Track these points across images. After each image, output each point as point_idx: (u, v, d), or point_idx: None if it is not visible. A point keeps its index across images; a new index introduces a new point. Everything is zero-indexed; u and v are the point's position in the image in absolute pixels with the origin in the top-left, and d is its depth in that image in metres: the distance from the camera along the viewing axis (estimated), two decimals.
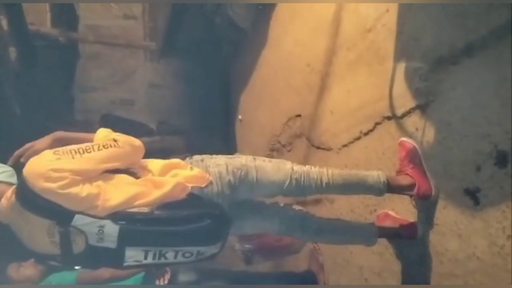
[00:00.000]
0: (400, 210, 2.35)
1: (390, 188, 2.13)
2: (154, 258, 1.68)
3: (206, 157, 1.96)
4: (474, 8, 1.87)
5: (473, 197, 1.86)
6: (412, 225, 2.21)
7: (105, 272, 2.64)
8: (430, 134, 2.12)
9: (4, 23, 4.55)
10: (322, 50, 3.28)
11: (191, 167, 1.85)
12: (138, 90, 6.56)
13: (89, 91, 6.35)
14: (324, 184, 2.06)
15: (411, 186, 2.10)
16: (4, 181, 1.71)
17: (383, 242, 2.40)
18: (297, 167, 2.05)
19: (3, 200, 1.59)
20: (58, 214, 1.52)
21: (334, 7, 3.13)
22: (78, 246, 1.58)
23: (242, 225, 2.06)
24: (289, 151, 4.03)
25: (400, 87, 2.35)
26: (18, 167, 1.63)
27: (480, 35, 1.84)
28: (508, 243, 1.70)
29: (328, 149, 3.21)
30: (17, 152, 1.78)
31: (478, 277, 1.83)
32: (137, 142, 1.73)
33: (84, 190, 1.52)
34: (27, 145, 1.79)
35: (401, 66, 2.35)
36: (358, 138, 2.79)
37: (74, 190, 1.50)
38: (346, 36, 2.99)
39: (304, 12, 3.71)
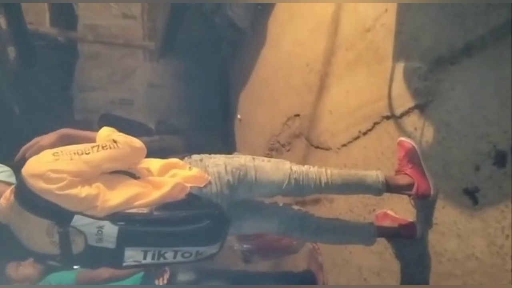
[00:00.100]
0: (399, 210, 2.35)
1: (389, 187, 2.13)
2: (153, 258, 1.68)
3: (205, 156, 1.95)
4: (473, 8, 1.87)
5: (472, 197, 1.86)
6: (411, 225, 2.21)
7: (104, 271, 2.63)
8: (429, 134, 2.12)
9: (3, 22, 4.55)
10: (321, 50, 3.28)
11: (190, 167, 1.84)
12: (137, 89, 6.56)
13: (88, 90, 6.35)
14: (323, 184, 2.06)
15: (410, 186, 2.10)
16: (3, 180, 1.71)
17: (382, 242, 2.40)
18: (296, 167, 2.05)
19: (2, 200, 1.59)
20: (57, 214, 1.52)
21: (333, 7, 3.13)
22: (78, 246, 1.58)
23: (241, 225, 2.06)
24: (288, 151, 4.03)
25: (399, 87, 2.35)
26: (17, 167, 1.63)
27: (479, 35, 1.84)
28: (507, 243, 1.70)
29: (327, 149, 3.21)
30: (23, 148, 1.77)
31: (477, 277, 1.83)
32: (137, 143, 1.70)
33: (83, 191, 1.52)
34: (33, 141, 1.78)
35: (400, 66, 2.35)
36: (357, 138, 2.79)
37: (73, 191, 1.50)
38: (345, 36, 2.99)
39: (303, 12, 3.71)
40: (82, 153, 1.55)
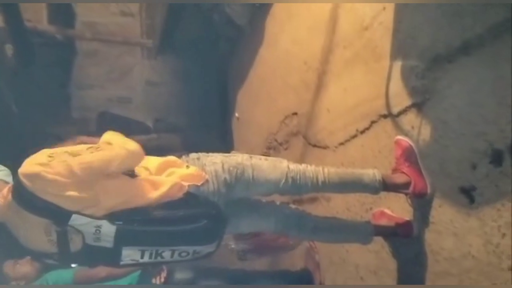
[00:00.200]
0: (396, 209, 2.35)
1: (386, 186, 2.13)
2: (150, 257, 1.68)
3: (202, 155, 1.95)
4: (470, 6, 1.87)
5: (468, 196, 1.86)
6: (407, 224, 2.21)
7: (101, 270, 2.63)
8: (426, 133, 2.12)
9: (1, 20, 4.54)
10: (319, 48, 3.28)
11: (187, 165, 1.84)
12: (135, 87, 6.55)
13: (86, 88, 6.34)
14: (320, 183, 2.06)
15: (406, 185, 2.10)
16: (1, 179, 1.71)
17: (379, 241, 2.40)
18: (293, 166, 2.05)
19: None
20: (55, 213, 1.51)
21: (331, 5, 3.13)
22: (75, 245, 1.58)
23: (238, 223, 2.06)
24: (285, 149, 4.03)
25: (397, 85, 2.34)
26: (14, 167, 1.62)
27: (476, 34, 1.84)
28: (503, 242, 1.70)
29: (325, 147, 3.21)
30: None
31: (474, 276, 1.83)
32: (133, 146, 1.66)
33: (79, 190, 1.51)
34: None
35: (398, 64, 2.35)
36: (355, 136, 2.79)
37: (69, 191, 1.49)
38: (343, 34, 2.99)
39: (301, 11, 3.70)
40: (76, 154, 1.52)
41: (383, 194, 2.25)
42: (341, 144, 2.97)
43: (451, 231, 1.96)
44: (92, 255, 1.62)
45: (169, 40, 5.84)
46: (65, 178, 1.48)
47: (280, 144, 4.14)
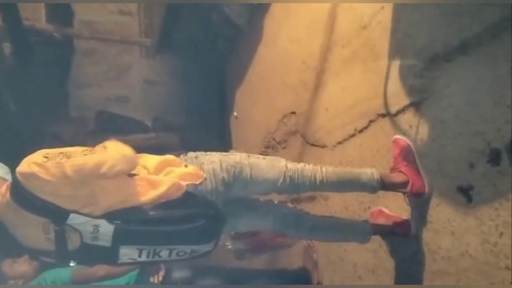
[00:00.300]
0: (394, 208, 2.35)
1: (384, 185, 2.13)
2: (148, 256, 1.68)
3: (200, 154, 1.95)
4: (468, 5, 1.88)
5: (466, 195, 1.86)
6: (405, 223, 2.21)
7: (100, 269, 2.63)
8: (424, 132, 2.12)
9: None
10: (318, 47, 3.28)
11: (185, 164, 1.84)
12: (133, 86, 6.53)
13: (84, 87, 6.32)
14: (318, 182, 2.06)
15: (404, 184, 2.10)
16: (0, 176, 1.71)
17: (377, 240, 2.41)
18: (291, 165, 2.05)
19: None
20: (52, 212, 1.51)
21: (329, 4, 3.13)
22: (73, 243, 1.58)
23: (236, 222, 2.06)
24: (284, 148, 4.03)
25: (395, 84, 2.35)
26: (13, 166, 1.62)
27: (474, 33, 1.85)
28: (500, 241, 1.71)
29: (323, 146, 3.21)
30: None
31: (471, 275, 1.84)
32: (126, 150, 1.62)
33: (76, 190, 1.51)
34: None
35: (396, 64, 2.35)
36: (353, 136, 2.79)
37: (65, 190, 1.50)
38: (341, 33, 2.99)
39: (300, 9, 3.70)
40: (70, 156, 1.51)
41: (381, 193, 2.25)
42: (339, 143, 2.97)
43: (448, 230, 1.97)
44: (90, 253, 1.62)
45: (167, 39, 5.83)
46: (59, 179, 1.48)
47: (279, 143, 4.14)
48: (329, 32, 3.12)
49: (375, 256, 2.52)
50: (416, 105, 2.18)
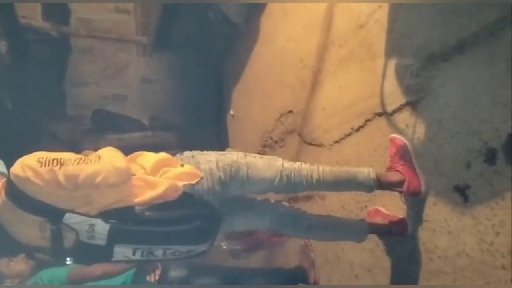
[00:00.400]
0: (391, 207, 2.35)
1: (380, 184, 2.14)
2: (142, 255, 1.68)
3: (196, 153, 1.95)
4: (465, 5, 1.88)
5: (462, 194, 1.87)
6: (402, 222, 2.22)
7: (96, 268, 2.62)
8: (420, 131, 2.13)
9: None
10: (315, 46, 3.28)
11: (181, 164, 1.84)
12: (130, 85, 6.51)
13: (81, 85, 6.30)
14: (314, 181, 2.06)
15: (401, 183, 2.11)
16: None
17: (373, 239, 2.41)
18: (287, 164, 2.05)
19: None
20: (48, 212, 1.52)
21: (327, 3, 3.12)
22: (69, 241, 1.58)
23: (233, 222, 2.06)
24: (281, 147, 4.03)
25: (391, 83, 2.35)
26: (8, 164, 1.62)
27: (471, 32, 1.85)
28: (497, 240, 1.71)
29: (320, 146, 3.21)
30: None
31: (468, 274, 1.84)
32: (120, 163, 1.60)
33: (71, 193, 1.51)
34: None
35: (393, 63, 2.35)
36: (350, 135, 2.79)
37: (59, 192, 1.50)
38: (339, 32, 2.99)
39: (297, 9, 3.70)
40: (63, 164, 1.50)
41: (377, 192, 2.26)
42: (336, 142, 2.97)
43: (445, 229, 1.97)
44: (85, 251, 1.62)
45: (164, 38, 5.81)
46: (52, 184, 1.48)
47: (276, 142, 4.14)
48: (326, 31, 3.12)
49: (371, 255, 2.52)
50: (412, 105, 2.19)
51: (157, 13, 5.36)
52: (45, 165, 1.49)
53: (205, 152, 1.97)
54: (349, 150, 2.81)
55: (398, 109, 2.29)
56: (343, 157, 2.87)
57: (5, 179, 1.61)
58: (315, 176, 2.06)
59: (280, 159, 2.08)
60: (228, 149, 3.09)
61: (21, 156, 1.55)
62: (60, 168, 1.49)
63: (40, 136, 5.09)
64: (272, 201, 2.22)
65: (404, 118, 2.24)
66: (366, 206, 2.58)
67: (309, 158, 3.28)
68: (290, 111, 3.78)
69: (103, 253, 1.64)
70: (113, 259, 1.66)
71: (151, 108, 6.43)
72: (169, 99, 6.44)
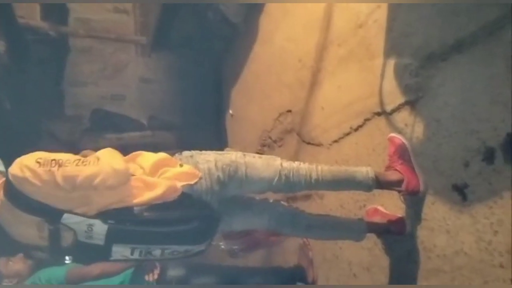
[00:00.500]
0: (389, 206, 2.36)
1: (379, 183, 2.14)
2: (140, 255, 1.68)
3: (195, 153, 1.94)
4: (464, 4, 1.88)
5: (461, 193, 1.87)
6: (400, 221, 2.22)
7: (95, 268, 2.62)
8: (419, 130, 2.13)
9: None
10: (314, 46, 3.28)
11: (180, 164, 1.83)
12: (129, 84, 6.50)
13: (79, 85, 6.28)
14: (313, 180, 2.06)
15: (399, 182, 2.11)
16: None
17: (372, 238, 2.41)
18: (286, 164, 2.05)
19: None
20: (46, 212, 1.52)
21: (326, 3, 3.13)
22: (67, 241, 1.58)
23: (232, 221, 2.06)
24: (280, 146, 4.03)
25: (390, 83, 2.35)
26: (7, 164, 1.62)
27: (470, 32, 1.85)
28: (495, 239, 1.71)
29: (319, 145, 3.21)
30: None
31: (466, 273, 1.85)
32: (118, 165, 1.60)
33: (69, 193, 1.51)
34: None
35: (391, 62, 2.36)
36: (348, 134, 2.80)
37: (57, 193, 1.50)
38: (338, 32, 2.99)
39: (296, 8, 3.70)
40: (62, 165, 1.51)
41: (376, 191, 2.26)
42: (335, 141, 2.97)
43: (443, 228, 1.97)
44: (83, 251, 1.62)
45: (163, 38, 5.81)
46: (50, 185, 1.48)
47: (274, 141, 4.14)
48: (325, 31, 3.12)
49: (370, 254, 2.52)
50: (411, 104, 2.19)
51: (156, 13, 5.36)
52: (43, 166, 1.49)
53: (203, 151, 1.97)
54: (348, 149, 2.81)
55: (397, 109, 2.29)
56: (342, 156, 2.87)
57: (3, 179, 1.61)
58: (314, 176, 2.06)
59: (279, 158, 2.08)
60: (227, 148, 3.09)
61: (19, 156, 1.55)
62: (58, 169, 1.50)
63: (39, 136, 5.09)
64: (271, 201, 2.21)
65: (403, 117, 2.25)
66: (364, 205, 2.58)
67: (308, 157, 3.28)
68: (289, 111, 3.79)
69: (101, 253, 1.64)
70: (111, 258, 1.66)
71: (150, 108, 6.42)
72: (168, 99, 6.43)
